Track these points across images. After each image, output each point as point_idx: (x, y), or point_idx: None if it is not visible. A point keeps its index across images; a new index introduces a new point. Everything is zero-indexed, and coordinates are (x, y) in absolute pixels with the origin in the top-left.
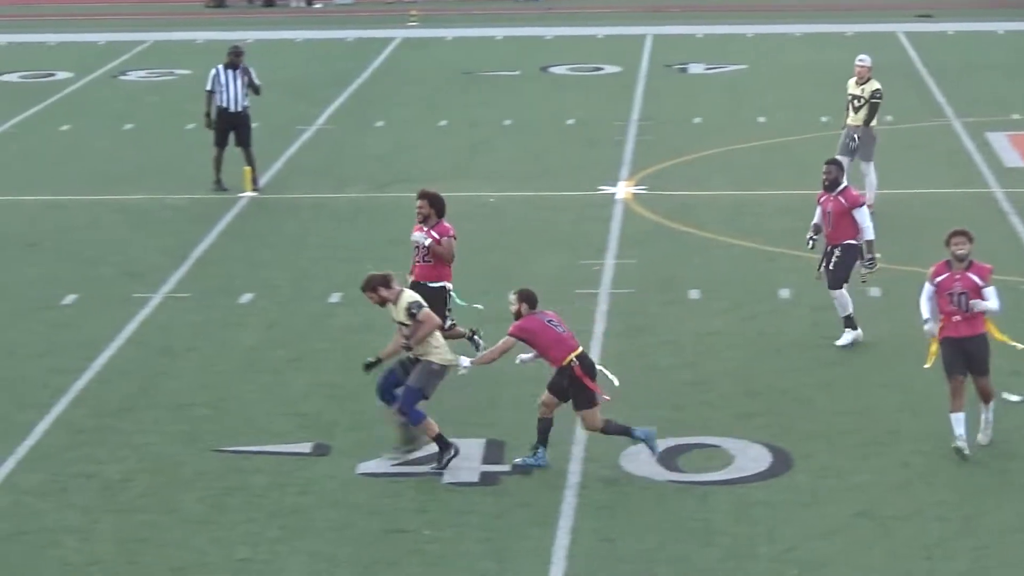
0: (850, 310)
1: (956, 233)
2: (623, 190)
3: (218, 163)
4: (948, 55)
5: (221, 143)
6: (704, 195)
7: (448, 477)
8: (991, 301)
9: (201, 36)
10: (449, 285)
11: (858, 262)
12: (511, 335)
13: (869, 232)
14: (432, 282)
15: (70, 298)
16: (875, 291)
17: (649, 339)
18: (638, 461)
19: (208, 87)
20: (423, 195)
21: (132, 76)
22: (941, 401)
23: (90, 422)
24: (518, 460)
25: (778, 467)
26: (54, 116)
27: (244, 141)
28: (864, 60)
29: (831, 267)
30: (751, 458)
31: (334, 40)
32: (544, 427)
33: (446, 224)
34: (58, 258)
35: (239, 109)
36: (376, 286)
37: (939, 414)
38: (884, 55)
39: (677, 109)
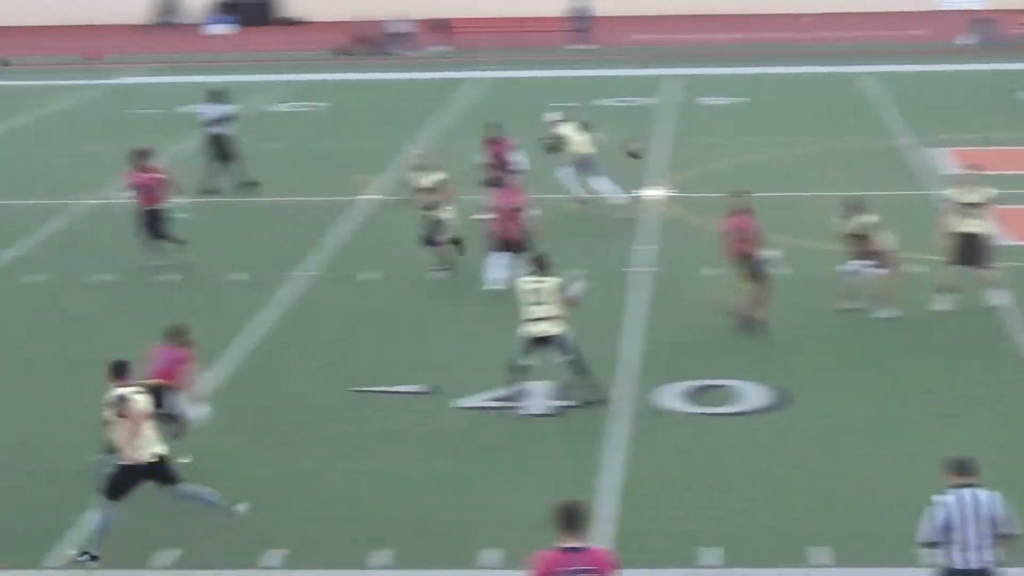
0: None
1: None
2: (654, 193)
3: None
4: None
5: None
6: (716, 196)
7: (527, 410)
8: None
9: (331, 77)
10: None
11: None
12: None
13: None
14: None
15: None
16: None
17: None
18: (670, 396)
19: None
20: None
21: (280, 108)
22: None
23: (248, 369)
24: None
25: (777, 403)
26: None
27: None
28: (554, 116)
29: None
30: (756, 395)
31: (431, 79)
32: None
33: None
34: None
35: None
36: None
37: None
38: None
39: (694, 131)
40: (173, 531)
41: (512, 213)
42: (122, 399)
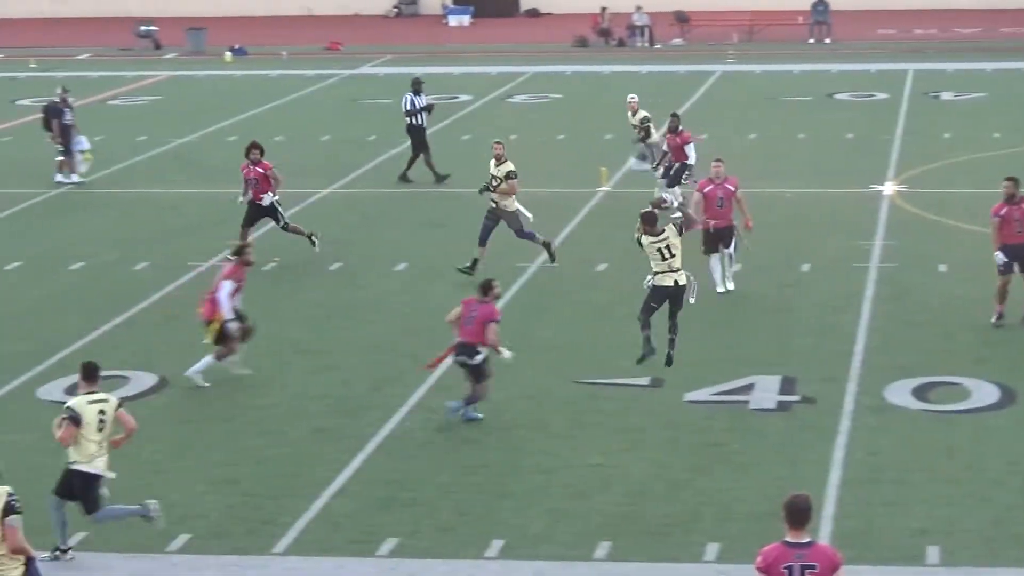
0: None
1: None
2: (889, 188)
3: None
4: None
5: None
6: (951, 192)
7: (752, 404)
8: None
9: (568, 69)
10: None
11: None
12: None
13: None
14: None
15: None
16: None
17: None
18: (898, 392)
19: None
20: None
21: (517, 99)
22: None
23: None
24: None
25: (1005, 400)
26: (457, 129)
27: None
28: (633, 98)
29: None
30: (985, 393)
31: (670, 72)
32: None
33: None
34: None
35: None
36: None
37: None
38: None
39: (930, 126)
40: (394, 519)
41: (716, 209)
42: (68, 411)
